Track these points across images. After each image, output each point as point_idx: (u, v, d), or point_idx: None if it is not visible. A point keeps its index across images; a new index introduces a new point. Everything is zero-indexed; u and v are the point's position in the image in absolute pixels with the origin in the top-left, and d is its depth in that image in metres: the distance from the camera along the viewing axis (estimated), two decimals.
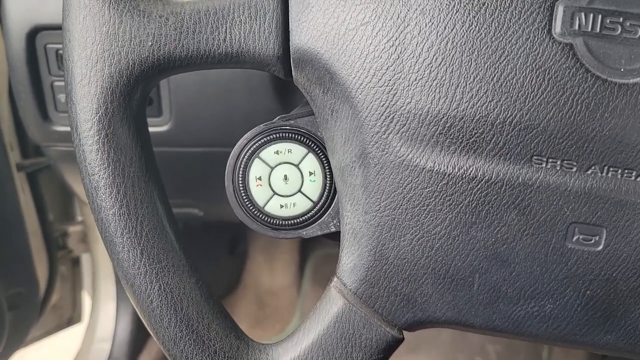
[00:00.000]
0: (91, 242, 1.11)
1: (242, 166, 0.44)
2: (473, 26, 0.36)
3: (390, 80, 0.37)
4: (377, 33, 0.37)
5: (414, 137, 0.37)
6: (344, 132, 0.39)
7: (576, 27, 0.35)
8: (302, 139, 0.44)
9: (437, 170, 0.37)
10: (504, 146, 0.36)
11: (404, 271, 0.39)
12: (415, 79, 0.37)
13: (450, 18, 0.36)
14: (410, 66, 0.37)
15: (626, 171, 0.36)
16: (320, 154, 0.44)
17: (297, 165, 0.44)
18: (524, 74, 0.35)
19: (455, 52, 0.36)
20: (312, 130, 0.44)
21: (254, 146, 0.44)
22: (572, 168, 0.36)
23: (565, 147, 0.36)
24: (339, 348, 0.40)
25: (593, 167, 0.36)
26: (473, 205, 0.37)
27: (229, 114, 0.69)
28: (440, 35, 0.36)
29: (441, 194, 0.38)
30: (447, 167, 0.37)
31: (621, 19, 0.35)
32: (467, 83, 0.36)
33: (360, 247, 0.40)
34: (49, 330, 1.09)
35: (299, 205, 0.45)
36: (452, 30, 0.36)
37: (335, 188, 0.44)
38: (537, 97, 0.36)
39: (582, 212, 0.37)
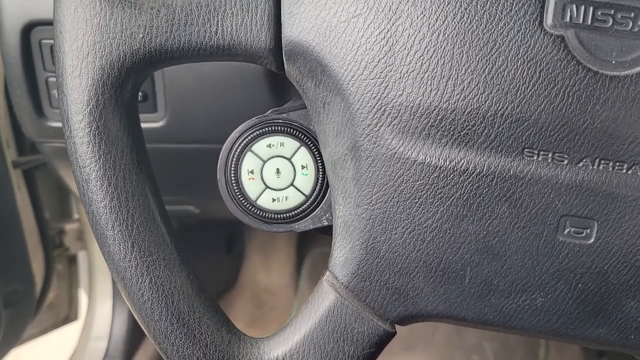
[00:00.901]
0: (87, 240, 1.11)
1: (234, 159, 0.44)
2: (464, 18, 0.36)
3: (381, 72, 0.37)
4: (368, 25, 0.37)
5: (406, 130, 0.37)
6: (335, 125, 0.39)
7: (567, 19, 0.35)
8: (294, 132, 0.44)
9: (428, 162, 0.37)
10: (495, 139, 0.36)
11: (395, 264, 0.39)
12: (407, 71, 0.36)
13: (442, 10, 0.36)
14: (402, 58, 0.36)
15: (617, 164, 0.36)
16: (313, 147, 0.44)
17: (289, 159, 0.44)
18: (515, 66, 0.35)
19: (447, 44, 0.36)
20: (304, 124, 0.44)
21: (246, 139, 0.44)
22: (563, 161, 0.36)
23: (557, 140, 0.36)
24: (330, 342, 0.40)
25: (584, 160, 0.36)
26: (464, 198, 0.37)
27: (225, 110, 0.69)
28: (431, 28, 0.36)
29: (432, 186, 0.37)
30: (439, 159, 0.37)
31: (612, 11, 0.35)
32: (459, 75, 0.36)
33: (352, 241, 0.40)
34: (45, 328, 1.09)
35: (291, 199, 0.45)
36: (443, 22, 0.36)
37: (327, 182, 0.44)
38: (529, 89, 0.36)
39: (573, 204, 0.37)
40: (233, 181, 0.44)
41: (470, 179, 0.37)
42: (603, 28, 0.35)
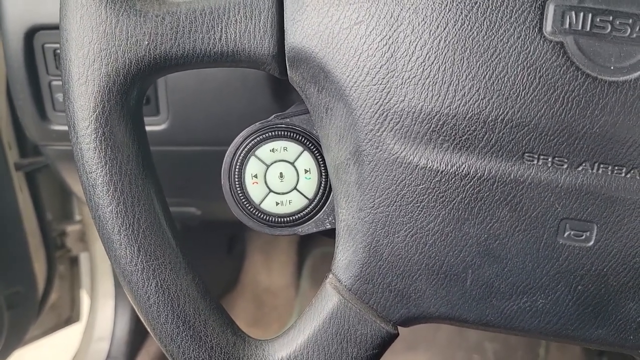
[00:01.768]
0: (89, 241, 1.12)
1: (238, 164, 0.45)
2: (465, 25, 0.36)
3: (383, 78, 0.37)
4: (370, 32, 0.37)
5: (407, 135, 0.38)
6: (338, 130, 0.39)
7: (567, 25, 0.35)
8: (297, 137, 0.44)
9: (430, 167, 0.38)
10: (496, 143, 0.37)
11: (398, 267, 0.40)
12: (409, 77, 0.37)
13: (443, 17, 0.36)
14: (404, 64, 0.37)
15: (616, 168, 0.36)
16: (316, 151, 0.44)
17: (292, 163, 0.45)
18: (515, 72, 0.36)
19: (448, 50, 0.36)
20: (307, 129, 0.44)
21: (250, 144, 0.44)
22: (563, 165, 0.37)
23: (557, 144, 0.36)
24: (334, 343, 0.40)
25: (584, 164, 0.37)
26: (465, 201, 0.38)
27: (226, 113, 0.70)
28: (433, 34, 0.36)
29: (434, 190, 0.38)
30: (440, 164, 0.38)
31: (611, 18, 0.35)
32: (460, 81, 0.36)
33: (355, 244, 0.40)
34: (48, 329, 1.09)
35: (294, 203, 0.45)
36: (444, 29, 0.36)
37: (330, 185, 0.44)
38: (529, 94, 0.36)
39: (573, 208, 0.37)
40: (237, 185, 0.45)
41: (471, 183, 0.38)
42: (602, 34, 0.35)
